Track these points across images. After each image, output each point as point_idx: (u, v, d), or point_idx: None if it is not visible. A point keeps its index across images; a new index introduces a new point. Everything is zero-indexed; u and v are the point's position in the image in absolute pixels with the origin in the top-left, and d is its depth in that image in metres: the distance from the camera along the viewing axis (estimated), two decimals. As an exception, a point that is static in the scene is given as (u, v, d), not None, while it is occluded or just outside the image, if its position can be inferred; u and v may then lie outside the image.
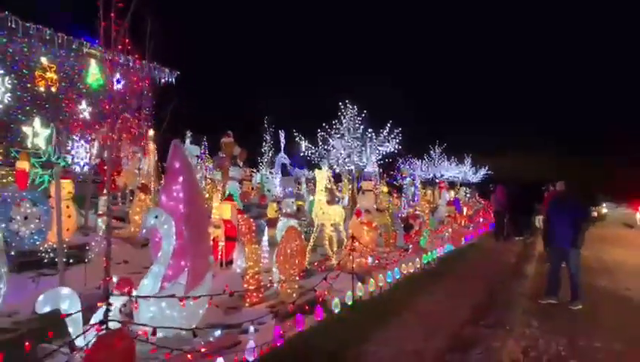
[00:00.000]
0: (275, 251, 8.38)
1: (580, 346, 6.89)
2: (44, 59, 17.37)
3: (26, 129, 16.80)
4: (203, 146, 22.38)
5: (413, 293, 9.55)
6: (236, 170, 17.47)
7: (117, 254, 11.55)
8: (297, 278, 8.01)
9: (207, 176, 19.58)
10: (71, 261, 9.42)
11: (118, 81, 20.86)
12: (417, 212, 18.07)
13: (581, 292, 9.01)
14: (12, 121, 16.34)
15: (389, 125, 12.50)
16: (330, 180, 11.67)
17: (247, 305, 7.59)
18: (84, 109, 18.76)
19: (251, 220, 8.47)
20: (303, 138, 11.88)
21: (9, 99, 16.17)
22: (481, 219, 22.41)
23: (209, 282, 6.50)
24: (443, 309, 8.61)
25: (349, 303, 8.03)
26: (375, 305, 8.48)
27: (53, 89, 17.64)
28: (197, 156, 21.59)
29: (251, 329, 6.56)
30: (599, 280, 11.52)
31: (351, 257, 10.06)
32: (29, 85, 16.72)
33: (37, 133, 17.15)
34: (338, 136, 12.00)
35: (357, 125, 12.16)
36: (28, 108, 16.75)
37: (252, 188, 22.35)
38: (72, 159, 16.00)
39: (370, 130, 12.47)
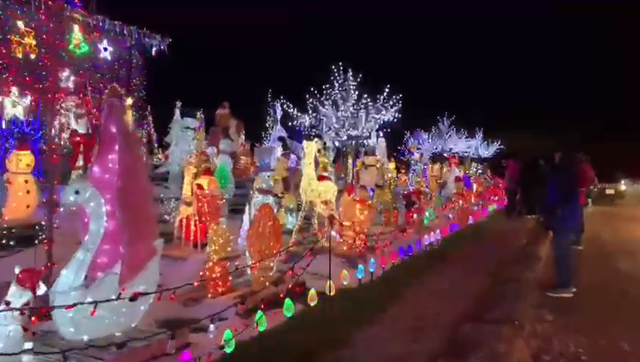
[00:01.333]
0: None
1: (602, 347, 5.75)
2: (20, 24, 16.17)
3: (0, 99, 15.73)
4: (200, 119, 21.21)
5: (407, 281, 8.41)
6: (226, 143, 16.28)
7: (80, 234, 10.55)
8: (271, 264, 6.89)
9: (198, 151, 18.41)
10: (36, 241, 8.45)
11: (105, 49, 19.80)
12: (422, 188, 16.89)
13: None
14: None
15: (387, 90, 11.17)
16: (320, 152, 10.47)
17: (210, 296, 6.50)
18: (68, 77, 17.66)
19: (218, 196, 7.32)
20: (290, 105, 10.61)
21: (-20, 66, 15.06)
22: (493, 197, 21.12)
23: (154, 271, 5.39)
24: (440, 300, 7.47)
25: (330, 293, 6.91)
26: (361, 295, 7.35)
27: (32, 55, 16.45)
28: (193, 129, 20.45)
29: (211, 327, 5.50)
30: (622, 263, 10.31)
31: (330, 239, 8.95)
32: (4, 51, 15.56)
33: (15, 102, 16.08)
34: (329, 103, 10.73)
35: (352, 90, 10.86)
36: (4, 76, 15.62)
37: (251, 164, 21.18)
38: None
39: (365, 95, 11.15)
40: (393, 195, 14.35)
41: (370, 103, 10.87)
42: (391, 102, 11.31)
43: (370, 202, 10.55)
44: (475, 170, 29.41)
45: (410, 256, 10.18)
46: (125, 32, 19.24)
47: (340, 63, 10.69)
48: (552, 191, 8.53)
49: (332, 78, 10.70)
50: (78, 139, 12.05)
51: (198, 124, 20.97)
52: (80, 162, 12.05)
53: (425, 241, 11.23)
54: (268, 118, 23.12)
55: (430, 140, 23.77)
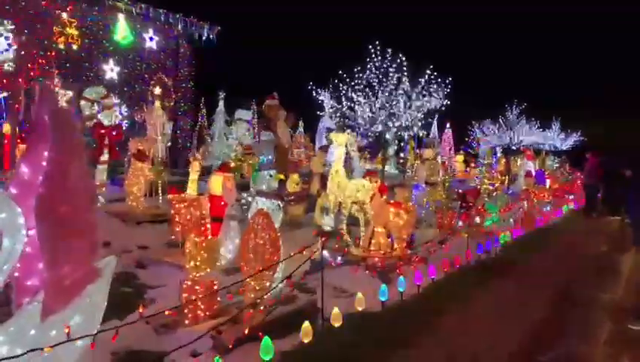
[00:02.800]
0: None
1: None
2: (63, 14, 15.84)
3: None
4: (252, 111, 20.34)
5: (446, 302, 6.87)
6: (267, 135, 15.22)
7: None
8: (267, 284, 5.64)
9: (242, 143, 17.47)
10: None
11: (151, 39, 19.28)
12: (485, 185, 15.07)
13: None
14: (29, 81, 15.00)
15: (428, 71, 9.45)
16: (351, 145, 9.09)
17: (187, 323, 5.35)
18: (112, 69, 17.28)
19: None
20: (320, 91, 9.23)
21: (22, 57, 14.82)
22: (568, 195, 18.75)
23: (97, 297, 4.29)
24: (484, 332, 5.93)
25: (335, 324, 5.57)
26: (378, 325, 5.94)
27: (74, 47, 16.13)
28: (247, 121, 19.63)
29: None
30: None
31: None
32: (46, 42, 15.27)
33: (57, 94, 15.79)
34: (361, 89, 9.24)
35: (390, 74, 9.31)
36: (46, 67, 15.35)
37: (308, 155, 20.00)
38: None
39: (404, 79, 9.51)
40: (448, 194, 12.68)
41: (409, 89, 9.24)
42: (435, 87, 9.60)
43: (409, 204, 9.03)
44: (551, 163, 26.72)
45: (458, 268, 8.61)
46: (171, 20, 18.61)
47: (377, 42, 9.20)
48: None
49: (368, 59, 9.27)
50: (103, 131, 11.35)
51: (250, 117, 20.12)
52: (105, 156, 11.36)
53: (480, 249, 9.56)
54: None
55: (497, 131, 21.58)
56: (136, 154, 10.83)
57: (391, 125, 9.19)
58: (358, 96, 9.14)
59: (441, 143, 30.74)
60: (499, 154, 23.52)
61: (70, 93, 14.83)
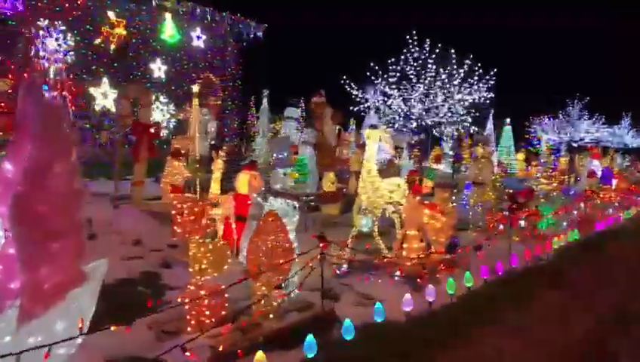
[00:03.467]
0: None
1: None
2: (111, 14, 16.13)
3: (93, 90, 15.78)
4: (300, 109, 20.09)
5: (481, 314, 6.23)
6: (309, 133, 14.82)
7: (129, 231, 9.76)
8: (274, 292, 5.25)
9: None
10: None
11: (198, 37, 19.38)
12: (542, 185, 14.07)
13: None
14: (77, 81, 15.35)
15: (467, 63, 8.55)
16: (388, 143, 8.51)
17: (189, 329, 5.04)
18: (160, 68, 17.46)
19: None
20: (353, 86, 8.61)
21: (72, 57, 15.18)
22: (637, 197, 17.23)
23: (82, 302, 4.04)
24: (519, 354, 5.27)
25: (347, 337, 5.08)
26: (405, 334, 5.40)
27: (122, 46, 16.39)
28: (295, 119, 19.39)
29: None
30: None
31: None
32: (94, 43, 15.59)
33: (106, 94, 16.11)
34: (395, 80, 8.53)
35: (429, 65, 8.55)
36: (94, 67, 15.67)
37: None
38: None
39: (442, 71, 8.68)
40: (498, 194, 11.85)
41: (447, 81, 8.46)
42: (476, 79, 8.76)
43: (449, 205, 8.38)
44: (621, 162, 24.87)
45: (501, 275, 7.90)
46: (218, 18, 18.61)
47: (414, 32, 8.44)
48: None
49: (405, 50, 8.58)
50: (141, 129, 11.35)
51: (299, 115, 19.85)
52: (143, 154, 11.36)
53: (527, 255, 8.78)
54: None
55: (556, 128, 20.22)
56: (173, 152, 10.76)
57: (429, 120, 8.53)
58: (392, 89, 8.54)
59: (499, 140, 29.44)
60: (562, 153, 22.10)
61: (115, 93, 15.00)
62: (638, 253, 10.20)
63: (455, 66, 8.15)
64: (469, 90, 8.48)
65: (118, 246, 8.88)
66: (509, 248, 8.19)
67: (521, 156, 24.53)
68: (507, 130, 30.29)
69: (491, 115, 18.24)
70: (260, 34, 20.05)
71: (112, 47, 16.00)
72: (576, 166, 23.40)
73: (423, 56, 8.32)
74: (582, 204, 12.06)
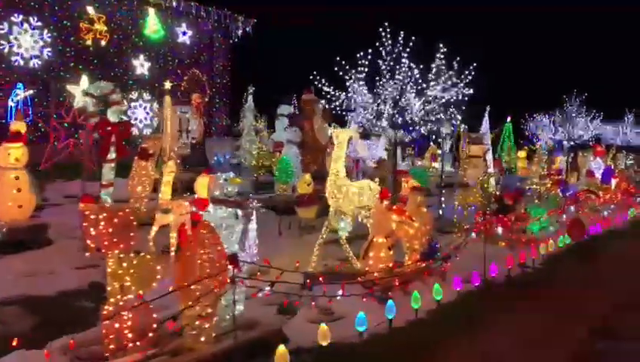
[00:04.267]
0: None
1: None
2: (90, 9, 15.62)
3: (71, 87, 15.27)
4: (293, 106, 19.53)
5: (450, 334, 5.67)
6: (292, 132, 14.32)
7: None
8: (208, 310, 4.70)
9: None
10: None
11: (184, 33, 18.86)
12: (532, 184, 13.45)
13: None
14: (53, 78, 14.85)
15: (438, 57, 7.85)
16: (358, 141, 7.97)
17: (107, 355, 4.50)
18: (142, 65, 16.95)
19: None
20: (323, 83, 8.07)
21: (49, 54, 14.68)
22: (636, 198, 16.54)
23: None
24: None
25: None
26: (355, 359, 4.86)
27: (102, 42, 15.89)
28: (287, 116, 18.87)
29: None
30: None
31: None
32: (72, 39, 15.09)
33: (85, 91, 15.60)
34: (362, 76, 7.95)
35: (402, 60, 7.94)
36: (72, 64, 15.18)
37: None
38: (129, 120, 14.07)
39: (414, 66, 8.02)
40: (486, 195, 11.24)
41: (419, 77, 7.81)
42: (450, 74, 8.06)
43: (423, 209, 7.79)
44: (624, 161, 24.07)
45: (478, 286, 7.33)
46: (204, 13, 18.09)
47: (387, 24, 7.80)
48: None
49: (378, 44, 8.00)
50: (110, 128, 10.83)
51: (291, 111, 19.30)
52: (112, 155, 10.85)
53: (510, 263, 8.18)
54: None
55: (552, 125, 19.52)
56: (139, 152, 10.25)
57: (399, 118, 7.93)
58: (360, 85, 7.96)
59: (500, 138, 28.68)
60: (562, 151, 21.39)
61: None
62: (631, 259, 9.56)
63: (440, 62, 7.58)
64: (442, 86, 7.81)
65: (74, 254, 8.39)
66: (484, 256, 7.56)
67: (522, 154, 23.87)
68: (508, 127, 29.64)
69: (487, 112, 17.61)
70: (248, 29, 19.49)
71: (91, 43, 15.48)
72: (579, 164, 22.71)
73: (396, 50, 7.78)
74: (572, 207, 11.43)
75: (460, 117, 13.24)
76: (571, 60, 40.49)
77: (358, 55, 8.04)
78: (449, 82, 7.95)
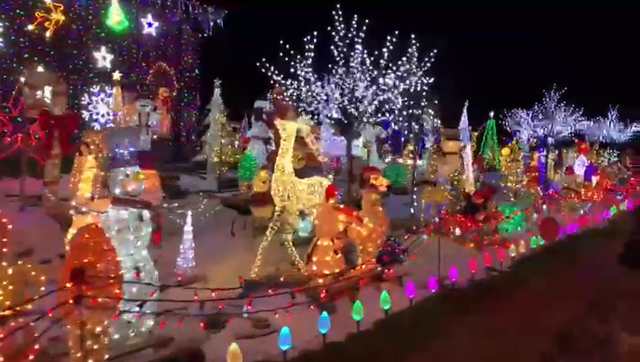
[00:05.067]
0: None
1: None
2: (46, -2, 14.76)
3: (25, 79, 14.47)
4: (269, 101, 18.78)
5: (389, 351, 5.02)
6: (259, 128, 13.62)
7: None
8: (97, 329, 4.00)
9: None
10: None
11: (150, 24, 18.05)
12: (507, 181, 12.87)
13: None
14: (5, 70, 14.02)
15: (390, 40, 7.12)
16: (308, 134, 7.32)
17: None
18: (104, 57, 16.13)
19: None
20: (275, 72, 7.35)
21: (0, 44, 13.86)
22: (617, 195, 16.06)
23: None
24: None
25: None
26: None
27: (60, 33, 15.04)
28: (262, 111, 18.14)
29: None
30: None
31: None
32: (26, 28, 14.25)
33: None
34: (310, 64, 7.26)
35: (356, 46, 7.22)
36: (26, 55, 14.34)
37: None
38: (90, 115, 13.26)
39: (367, 52, 7.26)
40: (456, 194, 10.62)
41: (372, 63, 7.06)
42: (404, 59, 7.31)
43: (379, 208, 7.12)
44: (608, 157, 23.56)
45: (436, 292, 6.68)
46: (170, 4, 17.31)
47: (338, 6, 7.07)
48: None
49: (330, 28, 7.29)
50: (53, 122, 10.09)
51: (269, 105, 18.59)
52: (56, 150, 10.12)
53: (473, 267, 7.55)
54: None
55: (531, 120, 18.94)
56: (80, 148, 9.49)
57: (352, 109, 7.23)
58: (307, 73, 7.26)
59: (483, 135, 28.11)
60: (544, 148, 20.81)
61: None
62: (603, 264, 8.95)
63: (394, 48, 6.86)
64: (399, 74, 7.09)
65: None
66: (438, 259, 6.92)
67: (505, 151, 23.31)
68: (491, 123, 29.06)
69: (465, 107, 17.02)
70: (219, 21, 18.72)
71: (48, 34, 14.63)
72: (564, 161, 22.13)
73: (350, 35, 7.07)
74: (544, 206, 10.84)
75: (431, 111, 12.63)
76: (552, 55, 39.88)
77: (305, 39, 7.36)
78: (402, 69, 7.26)
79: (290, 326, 5.27)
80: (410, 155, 23.26)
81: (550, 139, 21.03)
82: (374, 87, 7.33)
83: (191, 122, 18.54)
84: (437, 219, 7.61)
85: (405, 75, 7.42)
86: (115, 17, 16.19)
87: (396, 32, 7.26)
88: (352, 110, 7.44)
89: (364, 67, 7.32)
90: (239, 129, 19.58)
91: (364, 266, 6.92)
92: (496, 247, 8.61)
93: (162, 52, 17.62)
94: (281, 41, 7.23)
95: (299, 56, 7.43)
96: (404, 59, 7.40)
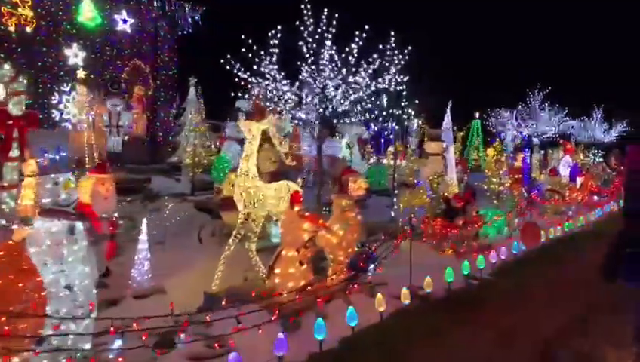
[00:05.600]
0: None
1: None
2: (13, -8, 14.14)
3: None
4: (248, 101, 18.26)
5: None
6: (232, 127, 13.15)
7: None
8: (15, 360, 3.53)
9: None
10: None
11: (124, 21, 17.47)
12: (490, 183, 12.53)
13: None
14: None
15: (360, 35, 6.65)
16: (275, 135, 6.86)
17: None
18: (76, 54, 15.52)
19: None
20: (241, 70, 6.84)
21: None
22: (601, 198, 15.78)
23: None
24: None
25: None
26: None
27: (28, 29, 14.45)
28: (243, 112, 17.64)
29: None
30: None
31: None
32: (-8, 25, 13.65)
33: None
34: (271, 63, 6.78)
35: (326, 41, 6.77)
36: (-9, 53, 13.73)
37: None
38: (61, 115, 12.66)
39: (335, 49, 6.82)
40: (436, 197, 10.22)
41: (339, 60, 6.59)
42: (375, 56, 6.86)
43: (351, 215, 6.69)
44: (592, 158, 23.37)
45: (409, 305, 6.26)
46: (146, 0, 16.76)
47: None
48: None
49: (298, 22, 6.84)
50: (11, 122, 9.53)
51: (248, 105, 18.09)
52: (15, 152, 9.56)
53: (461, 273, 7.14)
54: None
55: (515, 121, 18.67)
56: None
57: (321, 108, 6.80)
58: (271, 70, 6.80)
59: (468, 136, 27.84)
60: (527, 148, 20.55)
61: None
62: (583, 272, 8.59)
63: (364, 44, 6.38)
64: (370, 72, 6.67)
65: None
66: (410, 269, 6.49)
67: (491, 152, 23.02)
68: (476, 123, 28.81)
69: (449, 107, 16.67)
70: (197, 17, 18.18)
71: (13, 29, 14.00)
72: (548, 161, 21.88)
73: (319, 30, 6.64)
74: (528, 211, 10.49)
75: (411, 110, 12.23)
76: (537, 55, 39.62)
77: (270, 34, 6.90)
78: (372, 68, 6.82)
79: (247, 347, 4.86)
80: (393, 156, 23.01)
81: (536, 140, 20.79)
82: (344, 86, 6.91)
83: (168, 122, 17.99)
84: (411, 225, 7.17)
85: (376, 73, 6.97)
86: (87, 13, 15.62)
87: (366, 27, 6.82)
88: (322, 110, 7.01)
89: (333, 64, 6.88)
90: (222, 128, 19.10)
91: (334, 276, 6.52)
92: (475, 255, 8.20)
93: (137, 49, 17.05)
94: (243, 36, 6.76)
95: (262, 52, 6.96)
96: (375, 55, 6.98)
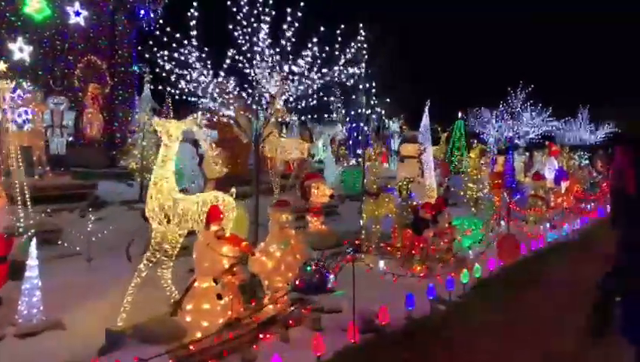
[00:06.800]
0: None
1: None
2: (-54, -21, 12.88)
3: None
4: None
5: None
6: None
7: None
8: None
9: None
10: None
11: (77, 13, 16.22)
12: (468, 190, 11.54)
13: None
14: None
15: (295, 17, 5.60)
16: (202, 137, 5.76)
17: None
18: (22, 49, 14.26)
19: None
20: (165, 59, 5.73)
21: None
22: (587, 204, 14.85)
23: None
24: None
25: None
26: None
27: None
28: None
29: None
30: None
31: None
32: None
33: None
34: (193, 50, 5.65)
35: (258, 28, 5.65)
36: None
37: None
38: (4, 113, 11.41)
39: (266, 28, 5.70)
40: (403, 205, 9.10)
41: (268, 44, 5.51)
42: (315, 41, 5.81)
43: (291, 231, 5.58)
44: (579, 160, 22.45)
45: (355, 343, 5.16)
46: (103, -11, 15.52)
47: None
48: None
49: (231, 3, 5.77)
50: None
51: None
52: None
53: (410, 302, 6.05)
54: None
55: (495, 121, 17.72)
56: None
57: (255, 104, 5.72)
58: (189, 57, 5.69)
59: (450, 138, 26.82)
60: (511, 150, 19.59)
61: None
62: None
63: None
64: (309, 60, 5.63)
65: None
66: (353, 295, 5.35)
67: (474, 154, 22.06)
68: (459, 124, 27.79)
69: (427, 107, 15.59)
70: (159, 11, 16.97)
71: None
72: (533, 164, 20.94)
73: (255, 12, 5.59)
74: (503, 221, 9.47)
75: (379, 109, 11.20)
76: (521, 54, 38.69)
77: (188, 14, 5.79)
78: (310, 54, 5.74)
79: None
80: (372, 158, 21.93)
81: (520, 141, 19.87)
82: (278, 77, 5.80)
83: (126, 122, 16.74)
84: (354, 246, 6.11)
85: (320, 62, 5.87)
86: (35, 4, 14.35)
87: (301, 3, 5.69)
88: (255, 105, 5.90)
89: (268, 52, 5.77)
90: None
91: (270, 307, 5.41)
92: (447, 273, 7.14)
93: (92, 44, 15.77)
94: (161, 21, 5.65)
95: (178, 35, 5.83)
96: (314, 40, 5.86)
